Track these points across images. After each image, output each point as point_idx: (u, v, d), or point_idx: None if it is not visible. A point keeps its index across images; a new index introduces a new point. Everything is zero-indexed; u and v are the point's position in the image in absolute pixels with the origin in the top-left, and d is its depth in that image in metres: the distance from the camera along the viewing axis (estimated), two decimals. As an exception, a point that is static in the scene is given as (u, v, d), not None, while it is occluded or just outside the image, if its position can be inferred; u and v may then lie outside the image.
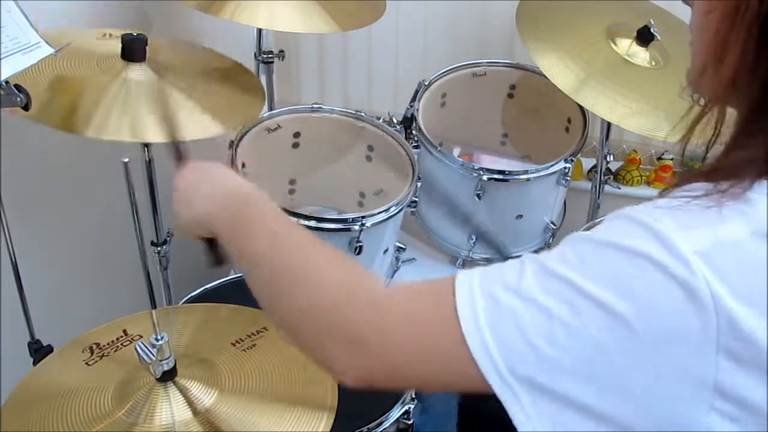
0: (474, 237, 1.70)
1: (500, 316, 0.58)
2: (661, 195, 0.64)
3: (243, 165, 1.53)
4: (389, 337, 0.63)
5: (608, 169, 1.85)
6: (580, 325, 0.56)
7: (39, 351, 1.33)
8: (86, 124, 1.16)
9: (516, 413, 0.58)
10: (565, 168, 1.63)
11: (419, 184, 1.52)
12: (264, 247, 0.75)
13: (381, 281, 0.69)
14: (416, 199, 1.53)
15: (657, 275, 0.55)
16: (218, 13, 1.37)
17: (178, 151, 0.96)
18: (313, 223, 1.41)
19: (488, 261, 1.75)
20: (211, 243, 0.92)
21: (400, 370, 0.64)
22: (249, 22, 1.40)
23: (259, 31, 1.72)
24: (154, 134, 1.19)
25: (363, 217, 1.42)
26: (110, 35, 1.35)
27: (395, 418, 1.19)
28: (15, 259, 1.27)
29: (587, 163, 2.01)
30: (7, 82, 1.01)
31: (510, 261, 0.62)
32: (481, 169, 1.60)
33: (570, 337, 0.56)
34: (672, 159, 1.96)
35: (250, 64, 1.54)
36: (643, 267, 0.55)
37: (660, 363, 0.55)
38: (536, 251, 1.76)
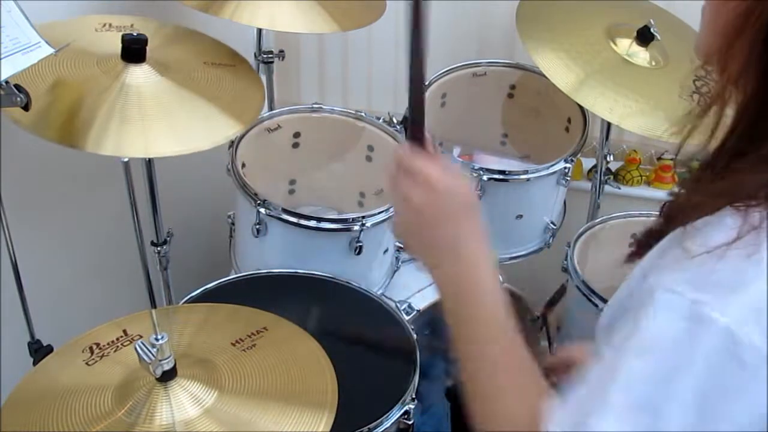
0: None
1: None
2: (674, 220, 0.63)
3: (243, 165, 1.53)
4: None
5: (608, 169, 1.84)
6: None
7: (39, 351, 1.33)
8: (85, 137, 1.15)
9: None
10: (565, 168, 1.63)
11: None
12: (469, 347, 0.75)
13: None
14: (416, 199, 1.53)
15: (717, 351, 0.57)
16: (218, 13, 1.37)
17: (417, 130, 0.80)
18: (313, 223, 1.41)
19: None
20: None
21: None
22: (249, 22, 1.40)
23: (259, 31, 1.72)
24: (153, 148, 1.19)
25: (363, 217, 1.42)
26: (110, 26, 1.35)
27: (395, 418, 1.19)
28: (15, 259, 1.27)
29: (587, 163, 2.01)
30: (7, 82, 1.01)
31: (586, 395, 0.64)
32: (481, 169, 1.59)
33: None
34: (672, 159, 1.96)
35: (250, 64, 1.54)
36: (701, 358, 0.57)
37: None
38: (536, 252, 1.77)
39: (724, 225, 0.60)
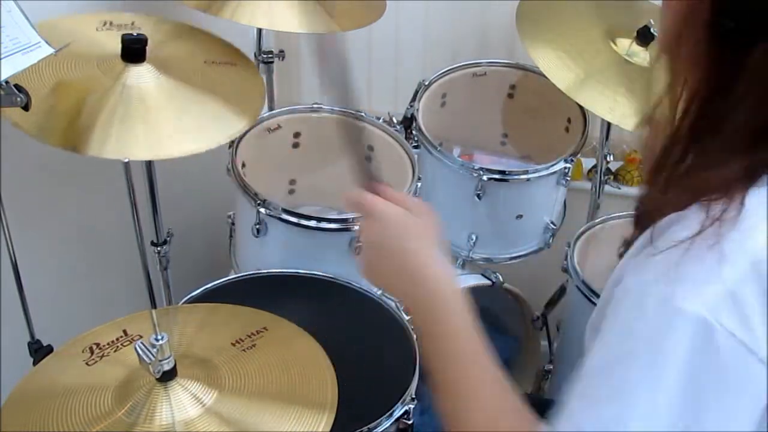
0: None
1: None
2: (640, 222, 0.66)
3: (243, 165, 1.53)
4: None
5: (608, 169, 1.84)
6: None
7: (39, 351, 1.33)
8: (87, 142, 1.16)
9: None
10: (565, 168, 1.63)
11: (419, 184, 1.52)
12: (439, 362, 0.77)
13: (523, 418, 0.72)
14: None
15: (692, 340, 0.59)
16: (218, 13, 1.37)
17: (369, 174, 0.83)
18: (313, 223, 1.41)
19: (488, 261, 1.75)
20: None
21: None
22: (249, 23, 1.40)
23: (259, 31, 1.71)
24: (154, 151, 1.19)
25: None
26: (110, 24, 1.35)
27: (395, 418, 1.19)
28: (15, 259, 1.27)
29: (587, 163, 2.01)
30: (7, 82, 1.01)
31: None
32: (481, 169, 1.59)
33: None
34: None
35: (250, 64, 1.54)
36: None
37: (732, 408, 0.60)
38: (536, 252, 1.77)
39: (688, 220, 0.62)
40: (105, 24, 1.35)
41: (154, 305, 1.42)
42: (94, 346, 1.05)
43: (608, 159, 1.77)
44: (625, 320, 0.63)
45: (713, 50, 0.64)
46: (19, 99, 1.03)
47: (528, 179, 1.61)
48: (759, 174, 0.62)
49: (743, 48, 0.61)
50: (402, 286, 0.80)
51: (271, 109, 1.74)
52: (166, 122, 1.23)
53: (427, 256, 0.79)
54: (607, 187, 1.83)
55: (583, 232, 1.63)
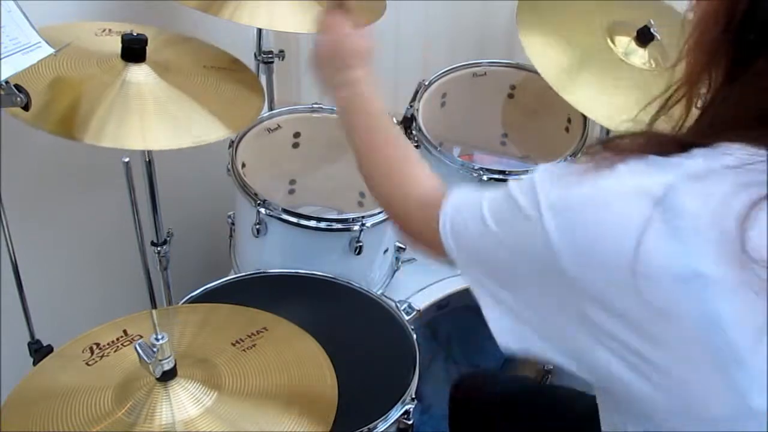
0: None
1: (459, 238, 0.80)
2: (588, 149, 0.75)
3: (243, 165, 1.53)
4: (415, 233, 0.92)
5: (608, 169, 1.84)
6: (497, 252, 0.75)
7: (39, 351, 1.33)
8: (84, 129, 1.16)
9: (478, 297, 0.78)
10: (565, 168, 1.63)
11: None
12: (358, 136, 1.01)
13: (425, 182, 0.95)
14: (416, 199, 1.53)
15: (522, 218, 0.71)
16: (218, 13, 1.37)
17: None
18: (313, 223, 1.41)
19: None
20: None
21: (424, 251, 0.90)
22: (249, 23, 1.40)
23: (259, 31, 1.71)
24: (152, 141, 1.20)
25: (363, 217, 1.42)
26: (110, 31, 1.35)
27: (395, 418, 1.19)
28: (15, 259, 1.27)
29: (587, 163, 2.01)
30: (7, 82, 1.01)
31: (473, 197, 0.80)
32: (481, 169, 1.59)
33: (494, 258, 0.76)
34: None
35: (250, 64, 1.54)
36: (517, 209, 0.72)
37: (539, 279, 0.71)
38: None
39: (593, 152, 0.71)
40: (104, 31, 1.35)
41: (154, 305, 1.42)
42: (94, 346, 1.05)
43: (608, 159, 1.77)
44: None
45: (731, 53, 0.68)
46: (19, 99, 1.03)
47: (528, 179, 1.61)
48: (667, 147, 0.68)
49: (753, 56, 0.66)
50: (335, 78, 1.04)
51: (271, 109, 1.74)
52: (164, 115, 1.23)
53: (359, 61, 1.03)
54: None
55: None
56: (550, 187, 0.70)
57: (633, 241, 0.63)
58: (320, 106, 1.67)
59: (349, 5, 1.06)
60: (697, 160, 0.65)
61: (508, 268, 0.74)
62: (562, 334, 0.71)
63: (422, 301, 1.56)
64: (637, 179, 0.65)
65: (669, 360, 0.64)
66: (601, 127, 1.70)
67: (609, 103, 1.46)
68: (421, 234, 0.90)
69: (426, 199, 0.89)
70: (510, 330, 0.75)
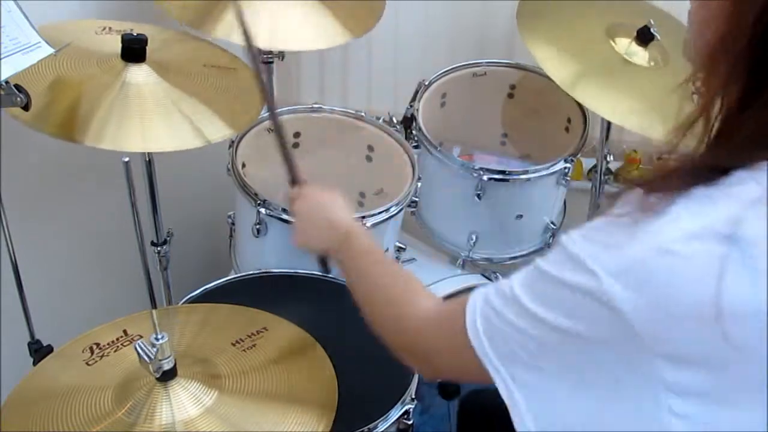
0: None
1: (493, 334, 0.74)
2: (609, 200, 0.74)
3: (243, 165, 1.53)
4: (427, 350, 0.86)
5: (608, 169, 1.84)
6: (539, 338, 0.70)
7: (39, 351, 1.33)
8: (84, 131, 1.15)
9: (512, 408, 0.73)
10: (565, 168, 1.63)
11: (419, 184, 1.52)
12: (353, 279, 1.02)
13: (425, 300, 0.91)
14: (416, 199, 1.53)
15: (581, 296, 0.66)
16: (211, 32, 1.38)
17: (293, 175, 1.15)
18: (313, 223, 1.41)
19: (488, 261, 1.75)
20: (323, 258, 1.17)
21: (441, 370, 0.89)
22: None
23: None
24: (152, 143, 1.20)
25: (363, 217, 1.42)
26: (110, 29, 1.35)
27: (395, 418, 1.19)
28: (15, 259, 1.27)
29: (587, 163, 2.01)
30: (7, 82, 1.01)
31: (504, 284, 0.76)
32: (481, 169, 1.59)
33: (535, 346, 0.71)
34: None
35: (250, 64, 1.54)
36: (569, 291, 0.67)
37: (613, 365, 0.67)
38: (536, 252, 1.77)
39: (624, 205, 0.67)
40: (104, 29, 1.35)
41: (154, 305, 1.42)
42: (94, 346, 1.05)
43: (608, 159, 1.77)
44: (546, 265, 0.72)
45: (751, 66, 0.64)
46: (19, 99, 1.03)
47: (528, 179, 1.61)
48: (705, 175, 0.65)
49: None
50: (325, 235, 1.08)
51: (271, 109, 1.74)
52: (163, 117, 1.23)
53: (338, 211, 1.08)
54: (607, 187, 1.83)
55: (583, 232, 1.63)
56: (597, 252, 0.66)
57: (712, 288, 0.60)
58: (320, 106, 1.67)
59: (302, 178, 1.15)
60: (749, 184, 0.63)
61: (553, 350, 0.70)
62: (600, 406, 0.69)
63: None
64: (697, 221, 0.62)
65: (727, 389, 0.64)
66: (601, 127, 1.70)
67: (615, 101, 1.46)
68: (432, 348, 0.85)
69: (440, 306, 0.87)
70: (541, 415, 0.72)
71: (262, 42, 1.42)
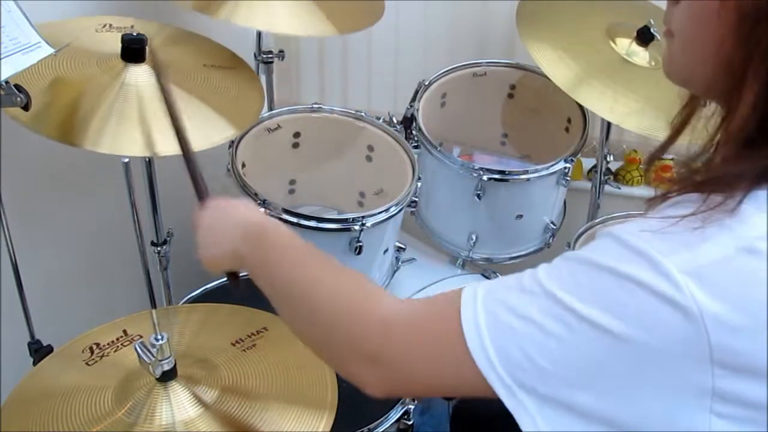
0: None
1: (501, 333, 0.63)
2: (651, 202, 0.65)
3: (243, 165, 1.53)
4: (401, 355, 0.69)
5: (608, 169, 1.84)
6: (572, 340, 0.60)
7: (39, 351, 1.33)
8: (84, 134, 1.15)
9: (522, 417, 0.62)
10: (565, 168, 1.63)
11: (419, 184, 1.52)
12: (282, 273, 0.82)
13: (389, 297, 0.74)
14: (416, 199, 1.53)
15: (645, 296, 0.58)
16: (214, 15, 1.37)
17: (200, 189, 0.99)
18: (313, 223, 1.41)
19: (488, 261, 1.75)
20: (233, 274, 0.97)
21: (416, 381, 0.70)
22: (246, 23, 1.40)
23: (259, 31, 1.71)
24: (151, 147, 1.20)
25: (363, 217, 1.42)
26: (110, 26, 1.35)
27: (395, 418, 1.19)
28: (15, 259, 1.27)
29: (587, 163, 2.01)
30: (7, 82, 1.01)
31: (511, 278, 0.67)
32: (481, 169, 1.59)
33: (564, 351, 0.60)
34: (672, 159, 1.96)
35: (249, 64, 1.54)
36: (631, 288, 0.58)
37: (657, 373, 0.58)
38: (536, 252, 1.77)
39: (685, 201, 0.62)
40: (105, 26, 1.35)
41: (154, 305, 1.42)
42: (94, 346, 1.06)
43: (608, 159, 1.77)
44: (592, 255, 0.63)
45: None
46: (19, 99, 1.03)
47: (528, 179, 1.61)
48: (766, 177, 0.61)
49: None
50: (231, 235, 0.89)
51: (270, 109, 1.74)
52: (163, 118, 1.23)
53: (244, 210, 0.92)
54: (607, 187, 1.83)
55: (583, 232, 1.63)
56: (670, 249, 0.58)
57: None
58: (320, 106, 1.67)
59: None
60: None
61: (584, 356, 0.60)
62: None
63: (422, 301, 1.55)
64: None
65: None
66: (601, 127, 1.70)
67: (615, 101, 1.46)
68: (403, 355, 0.69)
69: (414, 303, 0.71)
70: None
71: (261, 25, 1.40)
